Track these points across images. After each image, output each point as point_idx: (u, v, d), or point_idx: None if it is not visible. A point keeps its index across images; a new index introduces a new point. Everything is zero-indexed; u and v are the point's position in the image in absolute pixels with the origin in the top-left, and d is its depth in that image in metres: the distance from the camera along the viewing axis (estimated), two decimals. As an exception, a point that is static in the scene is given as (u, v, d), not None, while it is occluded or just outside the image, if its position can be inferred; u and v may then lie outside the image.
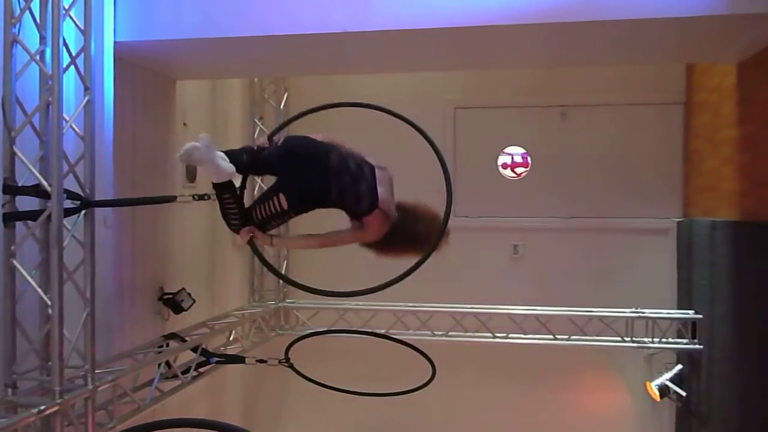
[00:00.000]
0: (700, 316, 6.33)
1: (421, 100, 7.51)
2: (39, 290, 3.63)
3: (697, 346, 6.37)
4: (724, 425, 5.67)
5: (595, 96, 7.34)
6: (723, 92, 5.90)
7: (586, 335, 6.71)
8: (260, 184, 7.41)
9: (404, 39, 4.67)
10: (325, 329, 6.63)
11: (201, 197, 3.69)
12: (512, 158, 7.47)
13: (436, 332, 6.92)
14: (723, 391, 5.71)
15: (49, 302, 3.57)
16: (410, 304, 6.95)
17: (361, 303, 6.96)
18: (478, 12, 4.37)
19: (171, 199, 3.85)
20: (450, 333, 6.94)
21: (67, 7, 3.76)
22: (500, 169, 7.45)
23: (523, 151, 7.45)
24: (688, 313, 6.54)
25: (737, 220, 5.51)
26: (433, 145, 3.58)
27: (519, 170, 7.47)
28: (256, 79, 7.42)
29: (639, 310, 6.70)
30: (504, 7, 4.34)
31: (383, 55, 5.38)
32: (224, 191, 3.48)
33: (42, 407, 3.42)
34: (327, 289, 3.73)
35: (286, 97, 7.59)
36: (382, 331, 6.41)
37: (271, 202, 3.45)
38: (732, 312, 5.54)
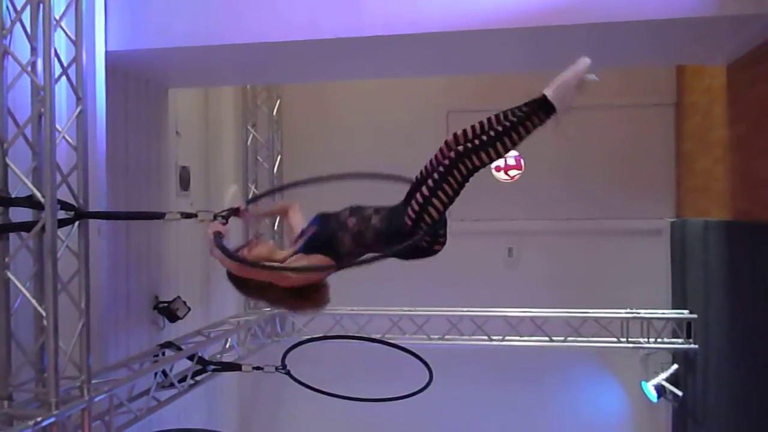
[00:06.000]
0: (695, 315, 6.36)
1: (414, 105, 7.55)
2: (33, 302, 3.61)
3: (692, 346, 6.39)
4: (720, 425, 5.69)
5: (587, 98, 7.27)
6: (713, 93, 5.93)
7: (581, 336, 6.72)
8: (254, 189, 7.42)
9: (396, 44, 4.68)
10: (321, 335, 6.64)
11: (188, 215, 3.69)
12: (505, 161, 7.48)
13: (432, 336, 6.92)
14: (719, 390, 5.73)
15: (43, 313, 3.56)
16: (406, 309, 6.96)
17: (356, 308, 6.96)
18: (468, 16, 4.38)
19: (159, 216, 3.86)
20: (446, 336, 6.94)
21: (58, 17, 3.76)
22: (494, 172, 7.47)
23: (516, 153, 7.47)
24: (683, 313, 6.57)
25: (730, 220, 5.54)
26: None
27: (512, 173, 7.49)
28: (248, 87, 7.42)
29: (634, 310, 6.72)
30: (494, 11, 4.36)
31: (375, 61, 5.39)
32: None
33: (38, 419, 3.40)
34: None
35: (279, 104, 7.61)
36: (378, 336, 6.42)
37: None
38: (726, 311, 5.56)
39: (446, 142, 3.04)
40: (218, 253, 3.01)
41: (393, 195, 3.19)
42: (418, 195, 2.95)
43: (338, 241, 3.05)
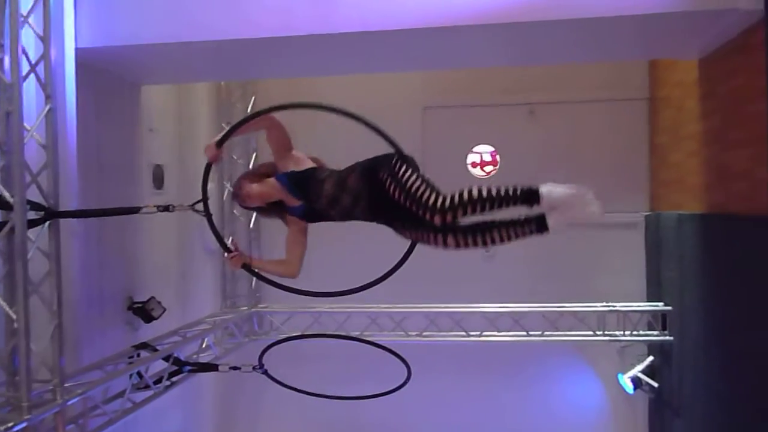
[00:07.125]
0: (670, 308, 6.43)
1: (390, 101, 7.51)
2: (4, 304, 3.54)
3: (667, 338, 6.47)
4: (696, 415, 5.76)
5: (563, 93, 7.40)
6: (686, 87, 5.99)
7: (558, 330, 6.77)
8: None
9: (371, 40, 4.66)
10: (299, 334, 6.59)
11: (165, 208, 3.64)
12: (481, 156, 7.50)
13: (410, 333, 6.93)
14: (694, 381, 5.80)
15: (14, 316, 3.49)
16: (384, 306, 6.94)
17: (335, 306, 6.93)
18: (445, 12, 4.38)
19: (135, 210, 3.80)
20: (424, 333, 6.95)
21: (25, 14, 3.68)
22: (470, 167, 7.48)
23: (492, 149, 7.49)
24: (658, 306, 6.64)
25: (704, 212, 5.60)
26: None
27: (488, 168, 7.50)
28: (222, 83, 7.35)
29: (610, 303, 6.78)
30: (468, 8, 4.35)
31: (350, 57, 5.36)
32: None
33: (9, 424, 3.35)
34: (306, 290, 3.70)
35: (254, 101, 7.54)
36: (357, 334, 6.40)
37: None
38: (701, 303, 5.63)
39: (433, 218, 3.18)
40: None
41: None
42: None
43: (329, 218, 3.44)
